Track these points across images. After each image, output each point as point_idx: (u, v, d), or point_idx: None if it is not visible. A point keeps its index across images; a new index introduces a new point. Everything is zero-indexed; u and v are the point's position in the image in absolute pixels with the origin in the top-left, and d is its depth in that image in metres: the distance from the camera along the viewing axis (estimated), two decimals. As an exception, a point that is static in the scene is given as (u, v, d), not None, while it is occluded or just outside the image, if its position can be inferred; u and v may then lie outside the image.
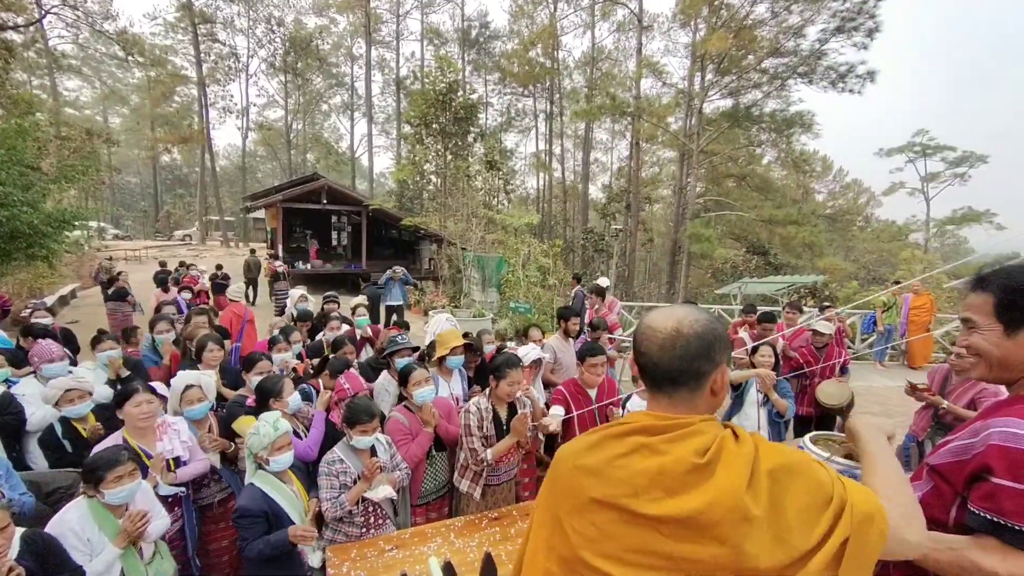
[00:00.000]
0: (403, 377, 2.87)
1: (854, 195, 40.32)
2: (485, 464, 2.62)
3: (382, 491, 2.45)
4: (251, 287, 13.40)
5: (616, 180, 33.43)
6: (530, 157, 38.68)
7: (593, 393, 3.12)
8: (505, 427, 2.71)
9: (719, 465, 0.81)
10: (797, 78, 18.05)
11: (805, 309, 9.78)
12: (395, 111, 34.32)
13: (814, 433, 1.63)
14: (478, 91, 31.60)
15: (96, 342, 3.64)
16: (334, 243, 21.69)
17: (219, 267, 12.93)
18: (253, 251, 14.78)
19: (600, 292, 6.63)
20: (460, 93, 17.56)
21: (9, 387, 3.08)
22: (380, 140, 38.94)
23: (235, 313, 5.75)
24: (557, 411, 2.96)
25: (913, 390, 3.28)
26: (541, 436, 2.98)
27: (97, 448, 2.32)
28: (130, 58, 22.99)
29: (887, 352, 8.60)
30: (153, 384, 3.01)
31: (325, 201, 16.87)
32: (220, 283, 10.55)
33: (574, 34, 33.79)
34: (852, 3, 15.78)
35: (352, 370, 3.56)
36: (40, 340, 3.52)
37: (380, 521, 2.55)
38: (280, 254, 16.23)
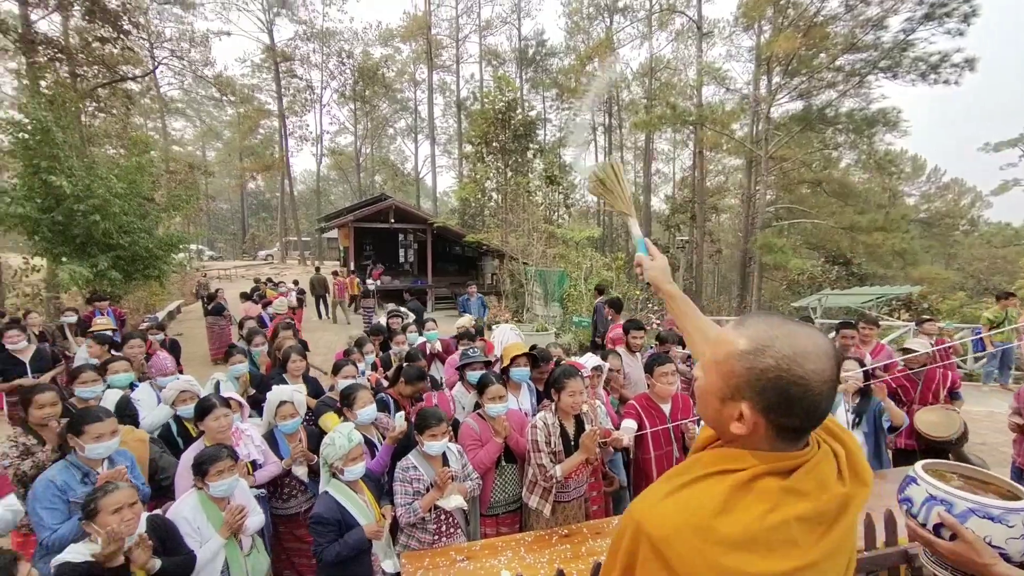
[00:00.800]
0: (480, 388, 2.93)
1: (954, 196, 36.34)
2: (555, 481, 2.58)
3: (454, 500, 2.49)
4: (321, 303, 14.26)
5: (679, 191, 32.39)
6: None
7: (667, 408, 3.00)
8: (573, 442, 2.66)
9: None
10: (878, 73, 16.56)
11: (900, 323, 8.86)
12: (456, 132, 35.55)
13: (927, 461, 1.20)
14: (536, 108, 32.04)
15: (228, 355, 4.02)
16: (401, 260, 22.65)
17: (296, 282, 13.97)
18: (318, 269, 15.60)
19: (616, 305, 6.61)
20: (519, 111, 17.92)
21: (132, 390, 3.51)
22: (443, 160, 40.52)
23: None
24: (629, 424, 2.87)
25: (1020, 428, 2.99)
26: (611, 449, 2.89)
27: (185, 454, 2.64)
28: (224, 98, 25.73)
29: (1011, 374, 7.49)
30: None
31: (393, 220, 17.69)
32: (298, 298, 11.49)
33: (631, 46, 33.16)
34: (944, -14, 14.39)
35: (445, 393, 3.66)
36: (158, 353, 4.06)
37: (452, 530, 2.59)
38: (353, 270, 17.19)
